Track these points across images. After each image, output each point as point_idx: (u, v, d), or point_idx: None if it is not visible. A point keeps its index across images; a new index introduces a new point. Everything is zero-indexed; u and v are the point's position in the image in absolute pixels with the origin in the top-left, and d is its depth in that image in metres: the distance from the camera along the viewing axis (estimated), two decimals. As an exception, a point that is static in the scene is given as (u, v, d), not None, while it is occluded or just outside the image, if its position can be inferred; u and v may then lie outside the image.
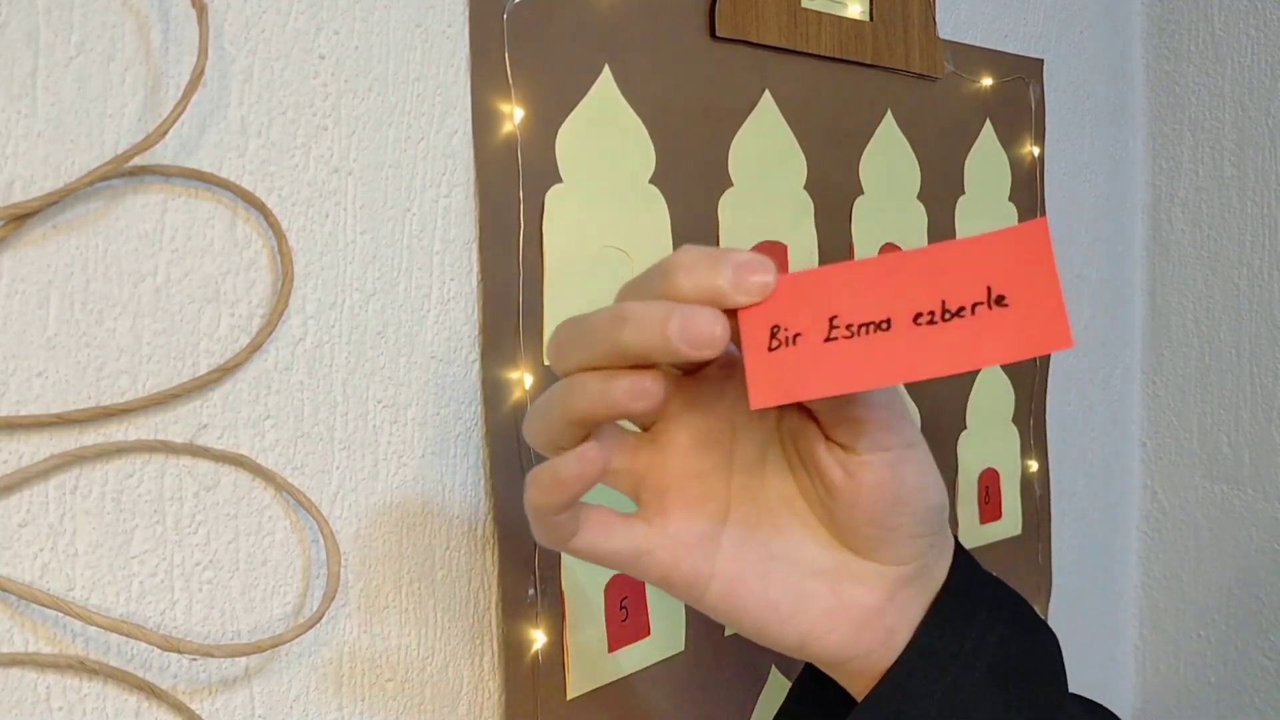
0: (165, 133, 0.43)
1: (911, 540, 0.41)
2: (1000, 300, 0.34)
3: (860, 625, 0.42)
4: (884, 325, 0.35)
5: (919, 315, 0.35)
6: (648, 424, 0.43)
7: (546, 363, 0.58)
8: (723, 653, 0.68)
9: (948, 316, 0.35)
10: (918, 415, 0.82)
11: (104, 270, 0.44)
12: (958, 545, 0.45)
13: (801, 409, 0.41)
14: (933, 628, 0.42)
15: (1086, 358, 1.04)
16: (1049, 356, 0.95)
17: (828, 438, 0.40)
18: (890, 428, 0.40)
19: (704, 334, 0.35)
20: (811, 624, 0.41)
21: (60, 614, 0.43)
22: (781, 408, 0.42)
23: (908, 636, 0.42)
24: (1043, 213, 0.93)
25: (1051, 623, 0.98)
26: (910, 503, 0.40)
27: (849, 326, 0.36)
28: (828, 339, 0.36)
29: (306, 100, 0.49)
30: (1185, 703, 1.10)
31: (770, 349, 0.36)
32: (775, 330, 0.36)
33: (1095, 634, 1.08)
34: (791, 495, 0.43)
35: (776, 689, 0.71)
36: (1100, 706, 0.53)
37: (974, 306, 0.35)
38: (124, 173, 0.43)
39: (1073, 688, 0.48)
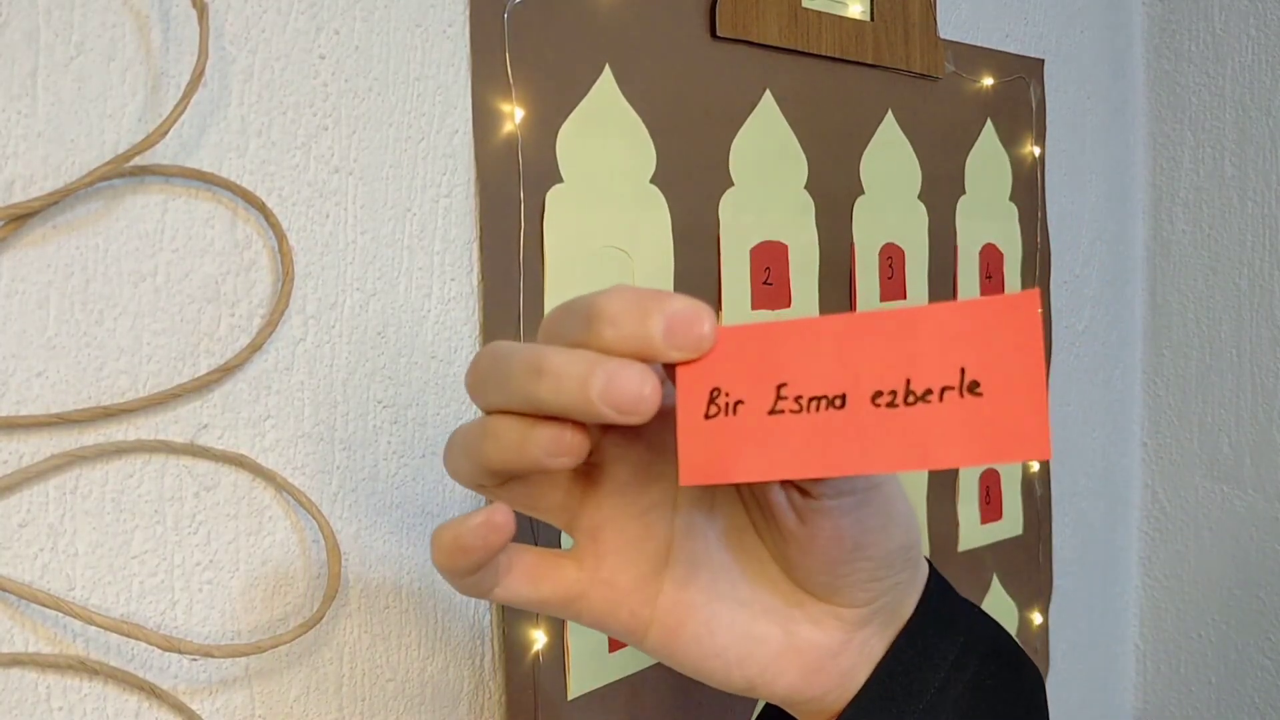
0: (166, 132, 0.43)
1: (871, 584, 0.38)
2: (974, 388, 0.30)
3: (814, 669, 0.38)
4: (838, 402, 0.31)
5: (879, 394, 0.31)
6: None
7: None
8: (723, 653, 0.68)
9: (911, 400, 0.30)
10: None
11: (104, 270, 0.44)
12: (931, 571, 0.42)
13: None
14: (892, 670, 0.39)
15: (1087, 358, 1.04)
16: (1050, 355, 0.95)
17: (789, 481, 0.36)
18: None
19: (630, 396, 0.31)
20: (761, 668, 0.38)
21: (61, 614, 0.43)
22: None
23: (865, 677, 0.39)
24: (1043, 211, 0.93)
25: (1052, 623, 0.98)
26: (871, 549, 0.37)
27: (798, 399, 0.31)
28: (773, 411, 0.31)
29: (307, 100, 0.49)
30: (1185, 703, 1.10)
31: (708, 415, 0.32)
32: (715, 394, 0.32)
33: (1095, 634, 1.08)
34: (742, 528, 0.39)
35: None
36: None
37: (943, 391, 0.30)
38: (124, 173, 0.43)
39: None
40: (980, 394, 0.30)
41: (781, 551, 0.38)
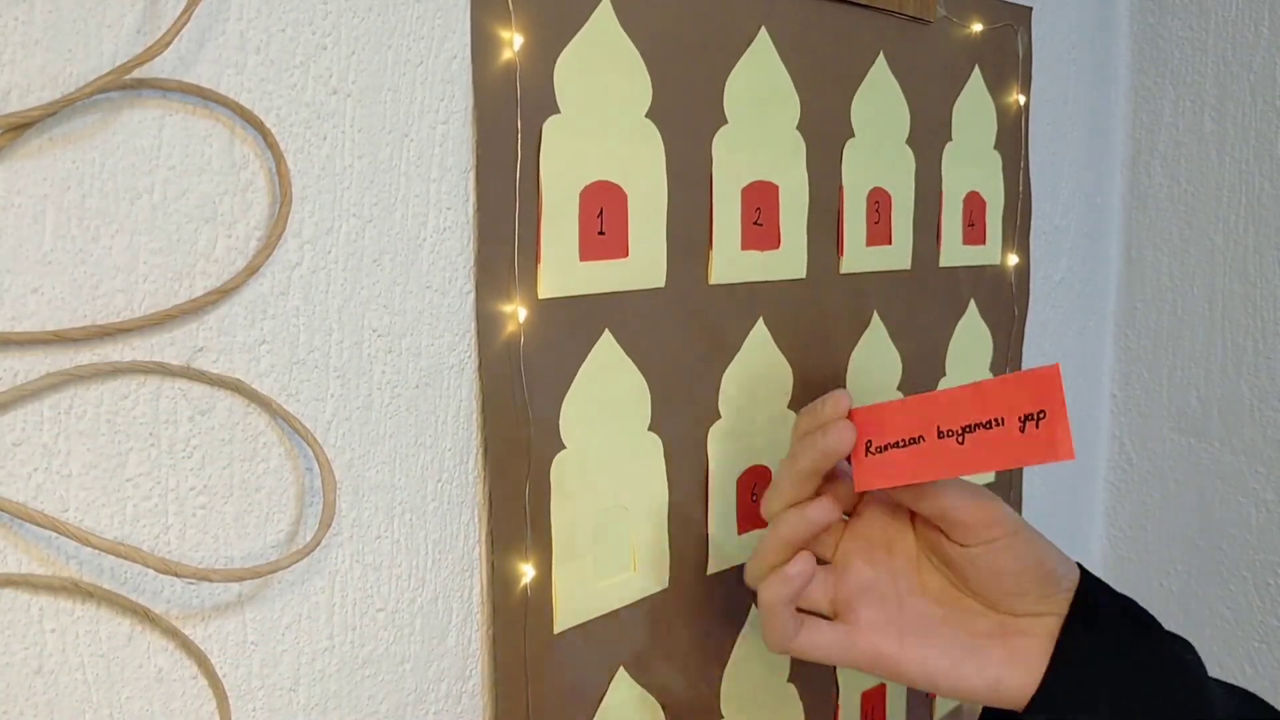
0: (167, 44, 0.42)
1: (1043, 599, 0.56)
2: (1027, 419, 0.50)
3: (1033, 663, 0.55)
4: (927, 437, 0.53)
5: (958, 429, 0.52)
6: (828, 558, 0.60)
7: (546, 295, 0.57)
8: (705, 591, 0.69)
9: (985, 427, 0.51)
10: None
11: (100, 185, 0.42)
12: (1083, 572, 0.59)
13: (928, 523, 0.57)
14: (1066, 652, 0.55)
15: (1062, 309, 1.05)
16: (1027, 304, 0.96)
17: (950, 539, 0.56)
18: (989, 523, 0.55)
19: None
20: (997, 668, 0.56)
21: (55, 535, 0.42)
22: (915, 523, 0.59)
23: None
24: (1026, 160, 0.93)
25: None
26: (1029, 572, 0.55)
27: (900, 442, 0.54)
28: (889, 447, 0.54)
29: (306, 17, 0.48)
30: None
31: (866, 454, 0.56)
32: (867, 444, 0.55)
33: (1060, 582, 1.09)
34: (945, 587, 0.58)
35: (757, 627, 0.72)
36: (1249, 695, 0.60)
37: (1002, 421, 0.51)
38: (123, 85, 0.42)
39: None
40: (1026, 424, 0.50)
41: (975, 590, 0.57)
